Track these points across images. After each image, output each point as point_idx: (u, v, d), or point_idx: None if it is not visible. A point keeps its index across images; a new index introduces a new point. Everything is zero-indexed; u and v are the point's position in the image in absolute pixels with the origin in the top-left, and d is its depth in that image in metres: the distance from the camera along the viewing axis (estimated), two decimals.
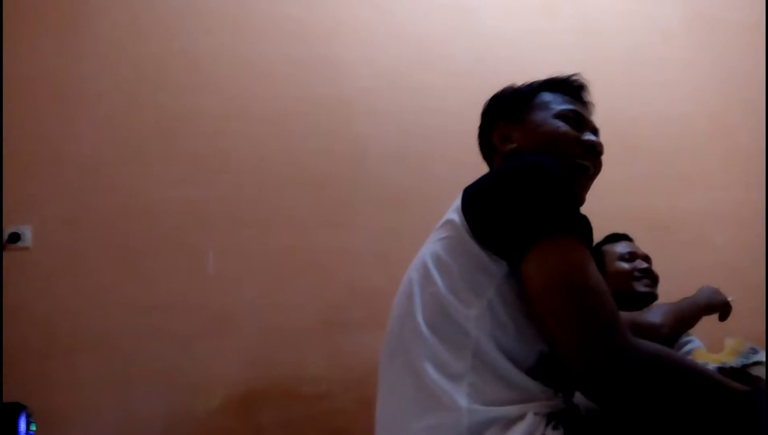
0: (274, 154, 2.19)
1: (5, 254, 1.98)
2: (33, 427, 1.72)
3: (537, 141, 1.01)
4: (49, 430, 1.79)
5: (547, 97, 1.06)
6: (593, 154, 1.03)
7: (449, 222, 0.93)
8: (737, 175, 2.47)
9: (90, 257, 2.03)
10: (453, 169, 2.44)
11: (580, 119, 1.04)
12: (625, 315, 1.06)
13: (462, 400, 0.82)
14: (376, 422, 0.97)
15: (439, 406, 0.83)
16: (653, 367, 0.79)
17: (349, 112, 2.26)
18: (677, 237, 2.35)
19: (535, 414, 0.81)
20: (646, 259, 1.88)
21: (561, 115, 1.03)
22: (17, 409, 1.63)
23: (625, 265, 1.83)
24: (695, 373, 0.80)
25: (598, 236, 1.99)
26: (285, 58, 2.27)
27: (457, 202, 0.93)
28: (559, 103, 1.04)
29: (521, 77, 2.58)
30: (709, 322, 1.48)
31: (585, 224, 0.88)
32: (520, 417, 0.81)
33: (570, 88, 1.08)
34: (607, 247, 1.90)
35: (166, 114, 2.15)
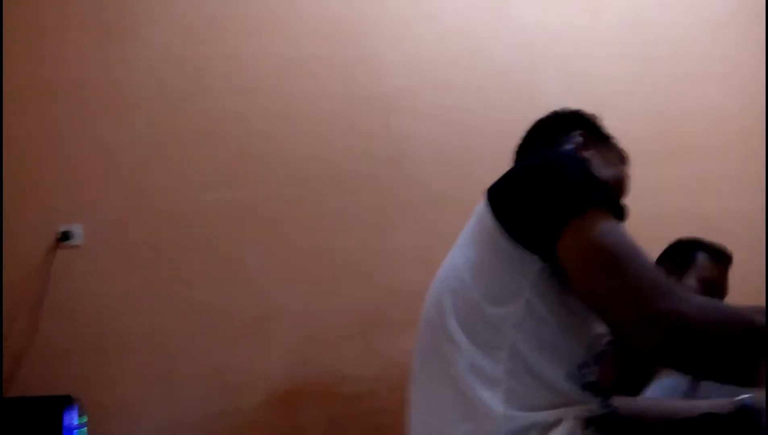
0: (314, 155, 2.21)
1: (57, 252, 2.05)
2: (84, 420, 1.77)
3: (610, 175, 1.08)
4: (97, 424, 1.85)
5: (612, 145, 1.15)
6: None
7: (477, 225, 0.93)
8: None
9: (137, 256, 2.08)
10: (493, 169, 2.41)
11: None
12: None
13: (498, 405, 0.82)
14: (410, 428, 0.96)
15: (476, 412, 0.83)
16: (715, 318, 0.78)
17: (388, 112, 2.26)
18: (728, 239, 2.26)
19: (574, 418, 0.80)
20: (723, 293, 1.68)
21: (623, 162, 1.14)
22: (64, 402, 1.68)
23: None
24: (741, 316, 0.80)
25: (670, 237, 1.85)
26: (323, 58, 2.28)
27: (482, 204, 0.94)
28: (620, 158, 1.16)
29: (564, 74, 2.50)
30: None
31: (611, 196, 0.87)
32: (557, 422, 0.80)
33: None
34: (702, 260, 1.70)
35: (210, 117, 2.19)
